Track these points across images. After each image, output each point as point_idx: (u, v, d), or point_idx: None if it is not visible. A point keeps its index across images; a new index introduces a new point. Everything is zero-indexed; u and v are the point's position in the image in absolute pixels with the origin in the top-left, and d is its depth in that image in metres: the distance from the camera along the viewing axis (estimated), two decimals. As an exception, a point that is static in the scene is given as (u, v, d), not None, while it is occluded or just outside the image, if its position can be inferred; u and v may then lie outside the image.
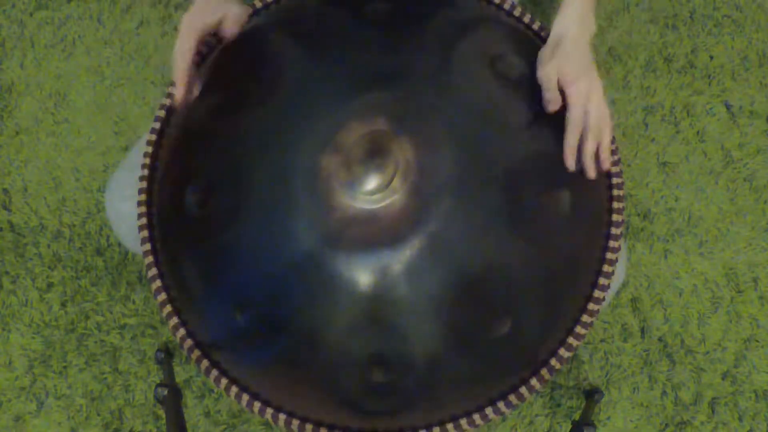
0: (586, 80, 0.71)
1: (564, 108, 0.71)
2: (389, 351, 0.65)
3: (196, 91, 0.77)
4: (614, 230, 0.73)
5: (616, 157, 0.76)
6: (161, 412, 1.17)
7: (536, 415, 1.15)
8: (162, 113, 0.80)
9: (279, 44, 0.75)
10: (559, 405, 1.15)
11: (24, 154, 1.33)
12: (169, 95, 0.81)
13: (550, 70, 0.71)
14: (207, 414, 1.16)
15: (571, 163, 0.70)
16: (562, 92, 0.71)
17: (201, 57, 0.80)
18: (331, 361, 0.66)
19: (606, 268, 0.72)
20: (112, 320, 1.22)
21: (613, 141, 0.76)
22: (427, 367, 0.65)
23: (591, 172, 0.71)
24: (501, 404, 0.68)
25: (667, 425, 1.14)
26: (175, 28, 1.37)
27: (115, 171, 0.91)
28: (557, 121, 0.71)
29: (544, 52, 0.74)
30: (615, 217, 0.74)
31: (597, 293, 0.71)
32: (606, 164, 0.72)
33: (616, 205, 0.74)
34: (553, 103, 0.71)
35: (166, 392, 0.90)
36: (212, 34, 0.79)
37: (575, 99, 0.70)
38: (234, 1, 0.79)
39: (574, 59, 0.72)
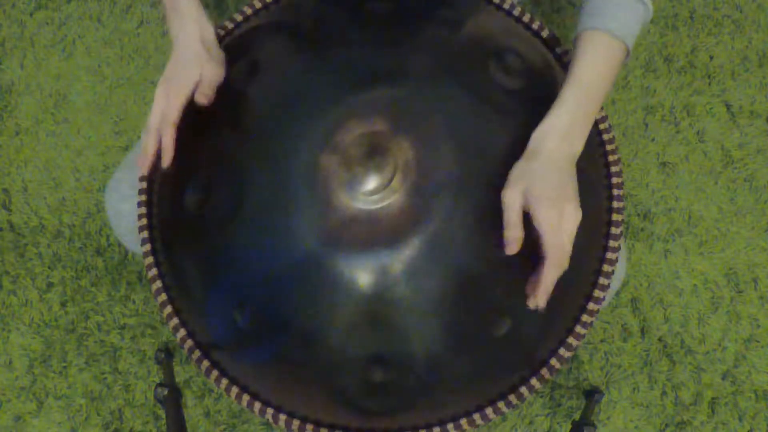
0: (558, 209, 0.61)
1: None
2: (389, 351, 0.65)
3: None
4: (614, 230, 0.73)
5: (616, 157, 0.76)
6: (161, 412, 1.17)
7: (536, 415, 1.15)
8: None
9: (278, 44, 0.75)
10: (559, 405, 1.15)
11: (24, 154, 1.33)
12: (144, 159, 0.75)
13: (514, 195, 0.61)
14: (207, 414, 1.16)
15: (542, 303, 0.61)
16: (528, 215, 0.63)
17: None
18: (331, 361, 0.66)
19: (606, 268, 0.72)
20: (112, 320, 1.22)
21: (613, 141, 0.76)
22: (426, 367, 0.65)
23: (540, 303, 0.62)
24: (501, 404, 0.68)
25: (667, 425, 1.14)
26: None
27: (115, 171, 0.91)
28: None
29: (515, 168, 0.63)
30: (615, 217, 0.74)
31: (597, 293, 0.71)
32: (540, 302, 0.62)
33: (616, 205, 0.74)
34: (510, 245, 0.60)
35: (166, 392, 0.90)
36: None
37: (546, 227, 0.60)
38: (209, 59, 0.72)
39: (547, 180, 0.61)
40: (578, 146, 0.65)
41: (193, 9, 0.74)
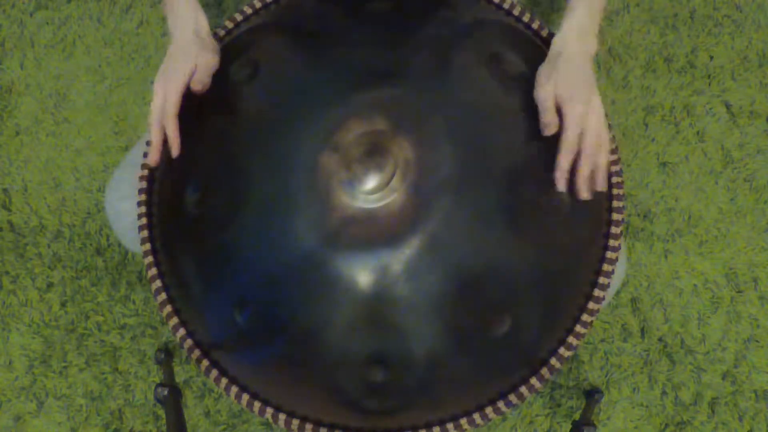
0: (584, 99, 0.68)
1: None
2: (389, 350, 0.65)
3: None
4: (614, 230, 0.73)
5: (615, 157, 0.76)
6: (161, 412, 1.17)
7: (536, 415, 1.15)
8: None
9: (279, 44, 0.75)
10: (559, 405, 1.15)
11: (24, 154, 1.33)
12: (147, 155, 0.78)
13: (547, 90, 0.69)
14: (207, 414, 1.16)
15: (562, 185, 0.67)
16: (560, 112, 0.69)
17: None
18: (330, 361, 0.66)
19: (606, 267, 0.72)
20: (112, 320, 1.22)
21: (613, 141, 0.76)
22: (426, 367, 0.65)
23: (584, 194, 0.68)
24: (501, 404, 0.68)
25: (667, 425, 1.14)
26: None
27: (115, 170, 0.91)
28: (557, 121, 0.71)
29: (542, 70, 0.71)
30: (615, 217, 0.74)
31: (597, 293, 0.71)
32: (599, 186, 0.69)
33: (616, 204, 0.74)
34: (549, 127, 0.68)
35: (166, 392, 0.90)
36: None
37: (571, 119, 0.67)
38: (202, 47, 0.74)
39: (572, 77, 0.69)
40: (594, 45, 0.73)
41: (189, 4, 0.77)
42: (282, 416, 0.69)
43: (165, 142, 0.74)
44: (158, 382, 1.18)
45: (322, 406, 0.68)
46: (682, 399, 1.15)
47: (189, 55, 0.73)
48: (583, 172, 0.67)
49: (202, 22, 0.77)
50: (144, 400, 1.18)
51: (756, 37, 1.34)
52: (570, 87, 0.68)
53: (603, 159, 0.68)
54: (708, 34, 1.35)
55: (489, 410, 0.68)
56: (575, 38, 0.72)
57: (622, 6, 1.37)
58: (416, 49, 0.71)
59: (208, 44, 0.76)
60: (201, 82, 0.73)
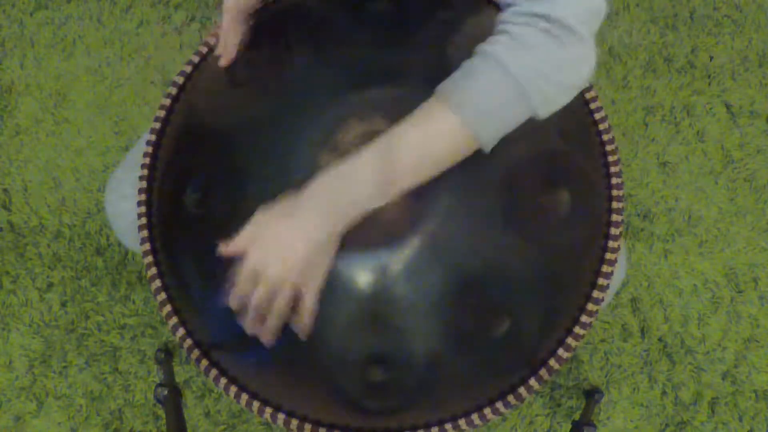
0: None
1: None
2: (388, 350, 0.65)
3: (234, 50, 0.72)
4: (614, 230, 0.73)
5: (616, 157, 0.76)
6: (161, 412, 1.17)
7: (536, 415, 1.15)
8: (162, 113, 0.80)
9: (278, 43, 0.75)
10: (559, 405, 1.15)
11: (24, 154, 1.33)
12: (207, 44, 0.79)
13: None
14: (207, 414, 1.16)
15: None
16: None
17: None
18: (330, 361, 0.66)
19: (605, 268, 0.72)
20: (112, 320, 1.22)
21: (613, 141, 0.76)
22: (425, 367, 0.65)
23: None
24: (500, 404, 0.68)
25: (667, 425, 1.14)
26: (176, 29, 1.37)
27: (115, 170, 0.91)
28: (557, 120, 0.71)
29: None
30: (615, 217, 0.74)
31: (596, 293, 0.71)
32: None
33: (615, 205, 0.74)
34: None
35: (166, 392, 0.90)
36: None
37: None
38: None
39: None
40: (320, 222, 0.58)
41: None
42: (281, 416, 0.69)
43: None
44: (158, 382, 1.18)
45: (321, 406, 0.68)
46: (682, 399, 1.15)
47: None
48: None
49: None
50: (144, 400, 1.18)
51: (756, 37, 1.34)
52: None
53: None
54: (708, 34, 1.35)
55: (487, 411, 0.68)
56: (306, 195, 0.57)
57: (622, 6, 1.37)
58: (416, 49, 0.71)
59: None
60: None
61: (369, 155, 0.57)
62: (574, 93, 0.60)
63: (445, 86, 0.58)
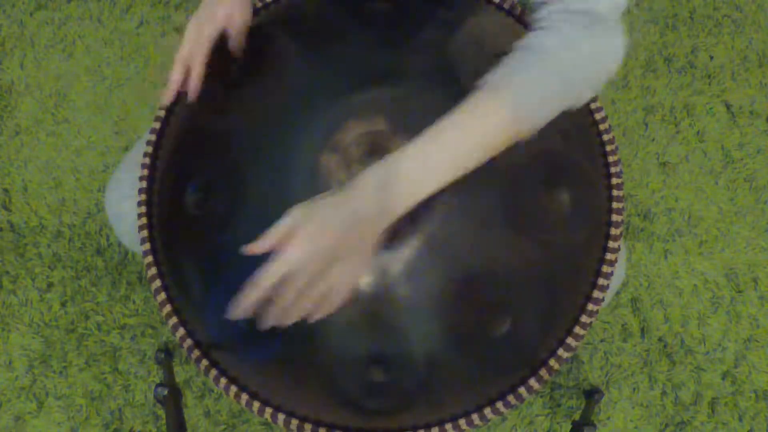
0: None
1: None
2: (388, 350, 0.65)
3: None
4: (614, 230, 0.73)
5: (616, 157, 0.76)
6: (161, 412, 1.17)
7: (536, 415, 1.15)
8: (162, 113, 0.80)
9: (278, 44, 0.75)
10: (559, 405, 1.15)
11: (24, 154, 1.33)
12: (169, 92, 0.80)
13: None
14: (207, 414, 1.16)
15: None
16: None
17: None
18: (330, 361, 0.66)
19: (605, 268, 0.72)
20: (112, 320, 1.22)
21: (613, 141, 0.76)
22: (426, 367, 0.65)
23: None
24: (500, 404, 0.68)
25: (667, 425, 1.14)
26: (175, 29, 1.37)
27: (115, 170, 0.91)
28: (557, 120, 0.71)
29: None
30: (615, 217, 0.74)
31: (596, 293, 0.71)
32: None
33: (615, 205, 0.74)
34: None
35: (166, 392, 0.90)
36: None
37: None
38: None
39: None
40: (386, 206, 0.57)
41: None
42: (281, 416, 0.69)
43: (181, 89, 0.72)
44: (158, 382, 1.18)
45: (321, 406, 0.68)
46: (682, 399, 1.15)
47: (226, 1, 0.72)
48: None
49: None
50: (144, 400, 1.18)
51: (756, 37, 1.34)
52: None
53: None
54: (708, 34, 1.35)
55: (487, 411, 0.68)
56: (371, 183, 0.55)
57: (622, 6, 1.37)
58: (416, 49, 0.71)
59: None
60: (237, 28, 0.72)
61: (420, 144, 0.57)
62: (605, 82, 0.64)
63: (494, 80, 0.59)
